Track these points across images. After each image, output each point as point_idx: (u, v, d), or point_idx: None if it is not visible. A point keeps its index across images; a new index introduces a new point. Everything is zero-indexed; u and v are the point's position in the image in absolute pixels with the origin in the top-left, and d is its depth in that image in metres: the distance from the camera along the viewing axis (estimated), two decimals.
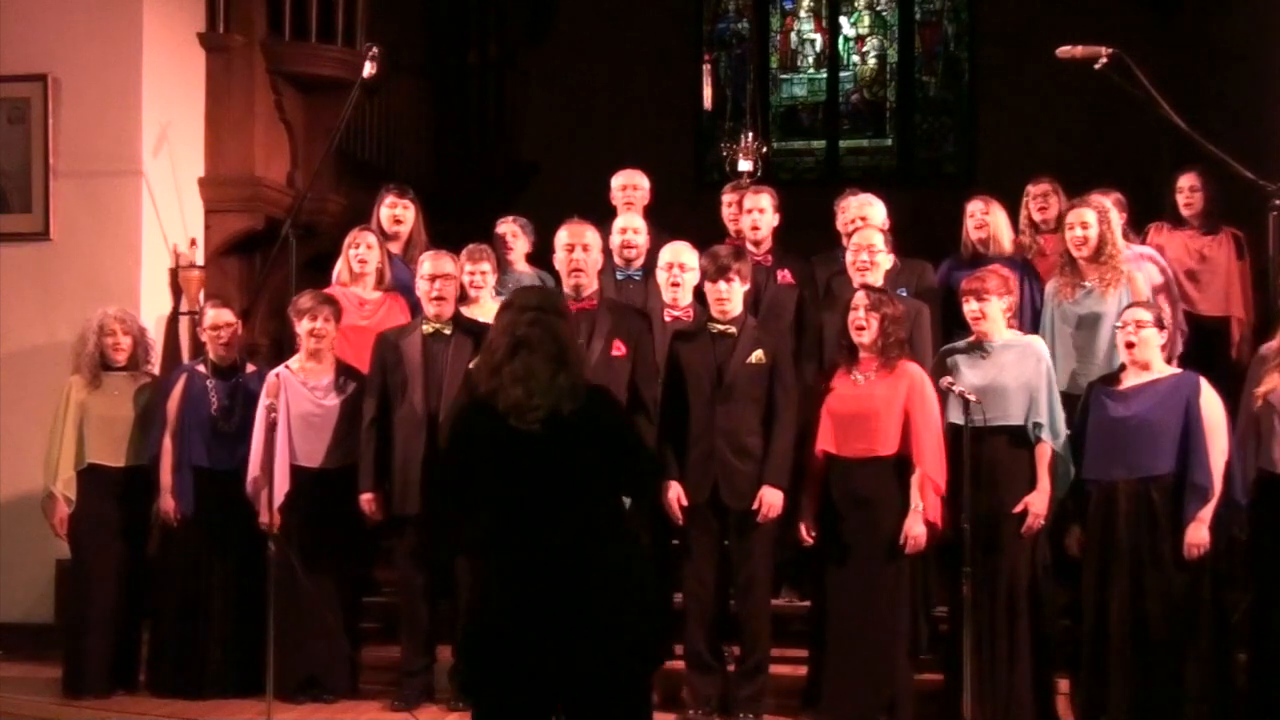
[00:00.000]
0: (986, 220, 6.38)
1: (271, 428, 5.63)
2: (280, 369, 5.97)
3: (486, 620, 3.56)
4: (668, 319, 5.86)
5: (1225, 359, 6.29)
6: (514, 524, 3.54)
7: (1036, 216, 6.46)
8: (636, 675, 3.59)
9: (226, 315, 6.18)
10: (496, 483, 3.57)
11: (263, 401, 5.76)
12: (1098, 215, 5.87)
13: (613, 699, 3.51)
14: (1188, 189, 6.55)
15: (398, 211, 6.68)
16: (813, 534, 5.42)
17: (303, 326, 5.93)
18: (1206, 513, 5.10)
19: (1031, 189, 6.51)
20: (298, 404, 5.87)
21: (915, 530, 5.26)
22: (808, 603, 5.76)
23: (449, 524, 5.10)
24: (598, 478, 3.57)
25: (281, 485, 5.76)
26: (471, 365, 4.51)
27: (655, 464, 3.84)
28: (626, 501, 3.78)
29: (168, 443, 6.01)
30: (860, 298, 5.42)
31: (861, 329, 5.37)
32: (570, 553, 3.49)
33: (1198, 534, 5.10)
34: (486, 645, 3.53)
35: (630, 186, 6.68)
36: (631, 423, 3.78)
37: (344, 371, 5.97)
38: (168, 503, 5.98)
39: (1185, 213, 6.58)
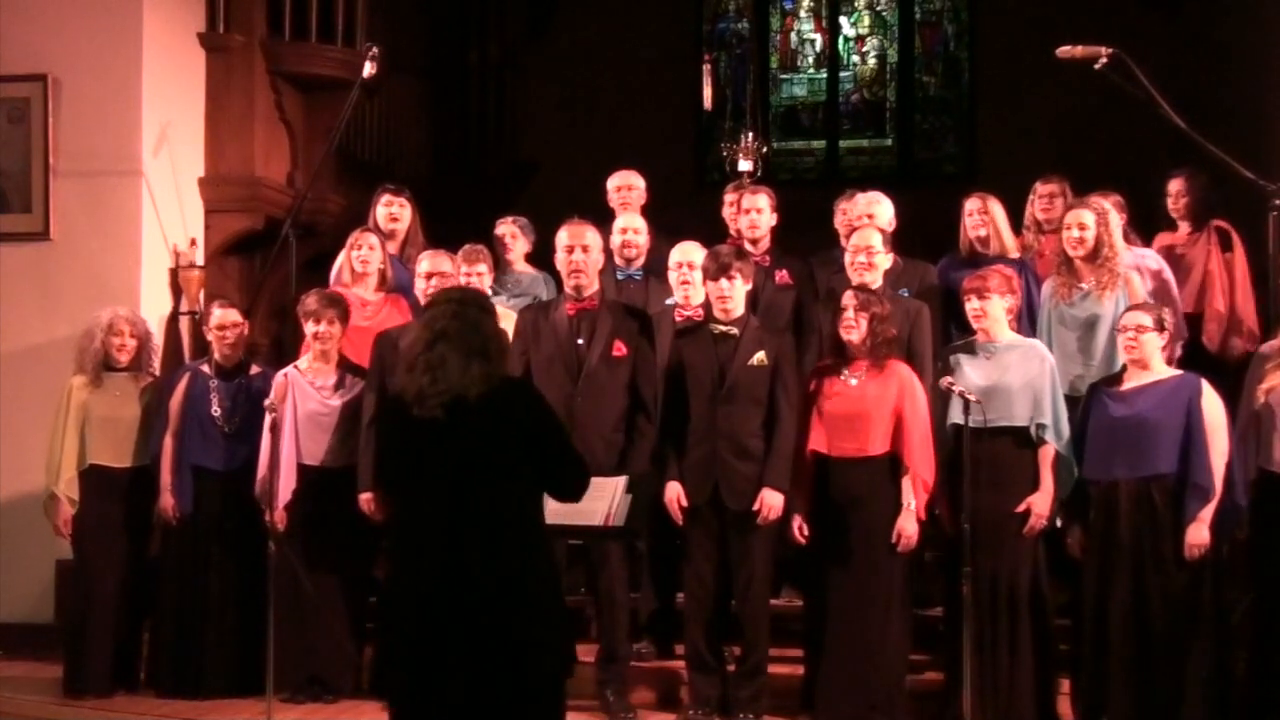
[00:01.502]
0: (985, 219, 6.39)
1: (273, 429, 5.63)
2: (289, 369, 5.98)
3: (394, 621, 3.51)
4: (679, 319, 5.88)
5: (1200, 352, 6.27)
6: (417, 519, 3.50)
7: (1040, 216, 6.47)
8: (544, 682, 3.51)
9: (233, 316, 6.17)
10: (401, 475, 3.56)
11: (265, 403, 5.77)
12: (1096, 217, 5.87)
13: (521, 705, 3.46)
14: (1174, 193, 6.63)
15: (394, 209, 6.68)
16: (805, 533, 5.42)
17: (309, 328, 5.95)
18: (1207, 513, 5.10)
19: (1039, 187, 6.52)
20: (305, 403, 5.88)
21: (908, 529, 5.27)
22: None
23: None
24: (503, 468, 3.48)
25: (288, 485, 5.79)
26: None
27: (580, 466, 3.68)
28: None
29: (168, 442, 6.02)
30: (848, 298, 5.43)
31: (850, 329, 5.37)
32: (472, 551, 3.42)
33: (1198, 534, 5.10)
34: (394, 649, 3.49)
35: (625, 187, 6.69)
36: (553, 420, 3.67)
37: (349, 370, 5.98)
38: (166, 501, 5.98)
39: (1173, 215, 6.64)
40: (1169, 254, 6.53)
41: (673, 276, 5.89)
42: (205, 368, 6.15)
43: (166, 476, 6.00)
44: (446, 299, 3.63)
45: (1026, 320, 5.95)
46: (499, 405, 3.47)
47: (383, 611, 3.63)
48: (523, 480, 3.54)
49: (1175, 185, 6.62)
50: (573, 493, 3.70)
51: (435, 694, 3.44)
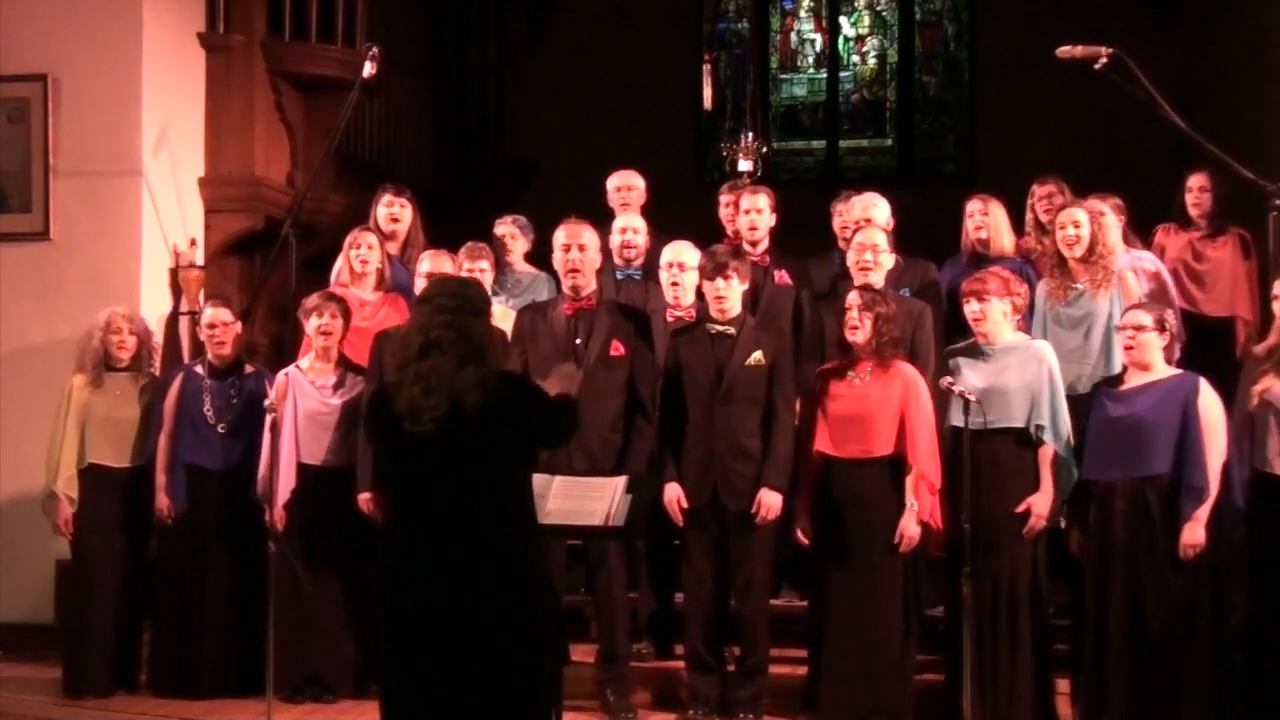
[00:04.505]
0: (986, 220, 6.39)
1: (273, 428, 5.63)
2: (290, 369, 5.99)
3: (383, 621, 3.54)
4: (670, 319, 5.86)
5: (1230, 360, 6.27)
6: (411, 524, 3.54)
7: (1043, 217, 6.44)
8: (535, 678, 3.56)
9: (224, 315, 6.17)
10: (391, 484, 3.62)
11: (265, 402, 5.77)
12: (1089, 215, 5.88)
13: (511, 702, 3.50)
14: (1197, 189, 6.55)
15: (394, 210, 6.67)
16: (809, 535, 5.42)
17: (310, 325, 5.95)
18: (1202, 513, 5.09)
19: (1037, 189, 6.50)
20: (305, 402, 5.88)
21: (911, 529, 5.27)
22: (807, 603, 5.76)
23: None
24: (498, 473, 3.53)
25: (287, 484, 5.79)
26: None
27: (566, 408, 3.76)
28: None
29: (162, 442, 6.03)
30: (854, 297, 5.41)
31: (855, 329, 5.36)
32: (463, 557, 3.47)
33: (1193, 534, 5.09)
34: (383, 649, 3.54)
35: (625, 187, 6.68)
36: (538, 390, 3.73)
37: (350, 370, 5.98)
38: (161, 501, 5.99)
39: (1193, 212, 6.59)
40: (1183, 251, 6.51)
41: (663, 276, 5.86)
42: (199, 368, 6.16)
43: (161, 477, 6.01)
44: (439, 306, 3.57)
45: (1028, 321, 5.95)
46: (495, 409, 3.49)
47: (374, 609, 3.64)
48: (516, 480, 3.60)
49: (1198, 180, 6.55)
50: (559, 439, 3.84)
51: (428, 690, 3.48)
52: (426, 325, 3.54)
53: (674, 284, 5.80)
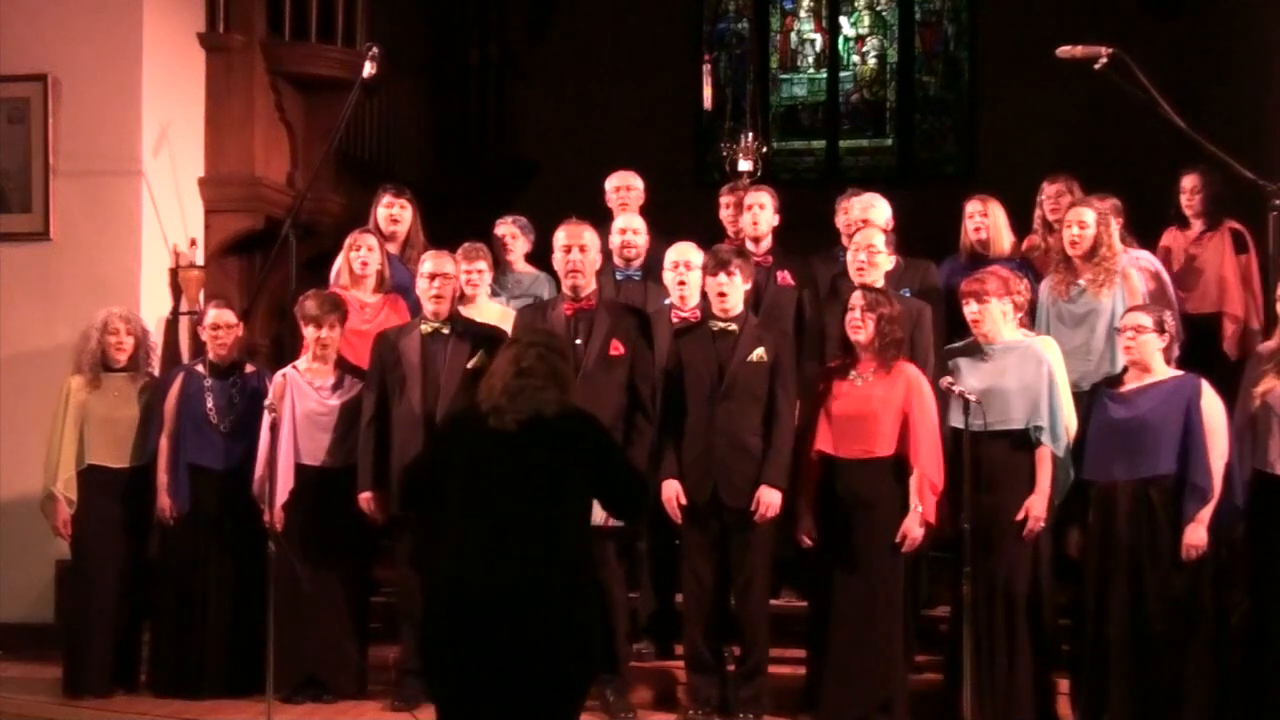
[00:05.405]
0: (985, 221, 6.38)
1: (272, 428, 5.64)
2: (288, 369, 5.98)
3: (442, 614, 3.73)
4: (675, 320, 5.86)
5: (1217, 356, 6.26)
6: (474, 522, 3.75)
7: (1050, 216, 6.44)
8: (578, 681, 3.77)
9: (228, 316, 6.18)
10: (465, 478, 3.82)
11: (265, 403, 5.77)
12: (1096, 216, 5.88)
13: (553, 700, 3.71)
14: (1189, 190, 6.57)
15: (394, 211, 6.67)
16: (812, 537, 5.41)
17: (309, 333, 5.94)
18: (1205, 514, 5.10)
19: (1047, 187, 6.50)
20: (303, 403, 5.88)
21: (915, 531, 5.26)
22: (807, 603, 5.75)
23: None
24: (565, 482, 3.79)
25: (285, 484, 5.79)
26: (470, 363, 5.33)
27: (644, 484, 4.16)
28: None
29: (164, 442, 6.03)
30: (857, 298, 5.41)
31: (858, 329, 5.36)
32: (527, 553, 3.69)
33: (1195, 535, 5.09)
34: (439, 647, 3.74)
35: (624, 188, 6.68)
36: (616, 446, 4.08)
37: (348, 371, 5.98)
38: (164, 501, 5.99)
39: (1187, 213, 6.60)
40: (1180, 252, 6.51)
41: (669, 276, 5.86)
42: (199, 367, 6.16)
43: (163, 477, 6.01)
44: (531, 343, 3.97)
45: (1032, 319, 5.94)
46: (570, 427, 3.84)
47: (433, 599, 3.87)
48: (580, 497, 3.86)
49: (1190, 181, 6.56)
50: (633, 512, 4.30)
51: (481, 683, 3.65)
52: (520, 357, 3.89)
53: (680, 283, 5.80)
